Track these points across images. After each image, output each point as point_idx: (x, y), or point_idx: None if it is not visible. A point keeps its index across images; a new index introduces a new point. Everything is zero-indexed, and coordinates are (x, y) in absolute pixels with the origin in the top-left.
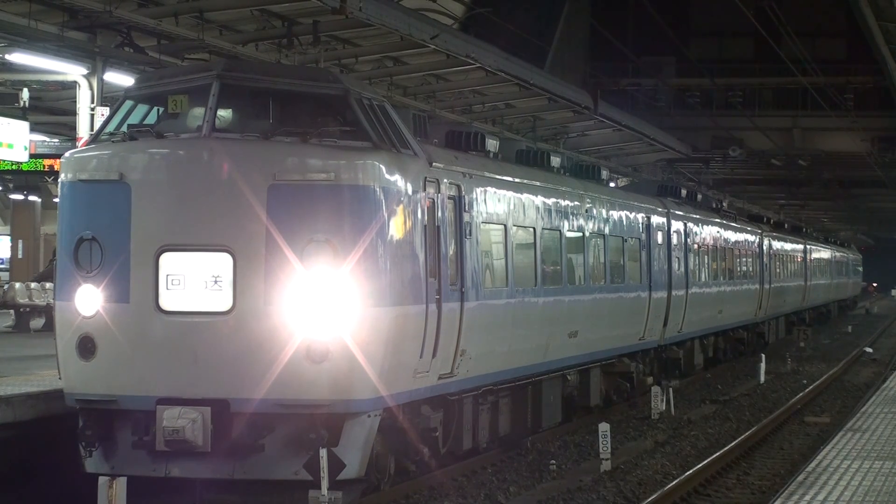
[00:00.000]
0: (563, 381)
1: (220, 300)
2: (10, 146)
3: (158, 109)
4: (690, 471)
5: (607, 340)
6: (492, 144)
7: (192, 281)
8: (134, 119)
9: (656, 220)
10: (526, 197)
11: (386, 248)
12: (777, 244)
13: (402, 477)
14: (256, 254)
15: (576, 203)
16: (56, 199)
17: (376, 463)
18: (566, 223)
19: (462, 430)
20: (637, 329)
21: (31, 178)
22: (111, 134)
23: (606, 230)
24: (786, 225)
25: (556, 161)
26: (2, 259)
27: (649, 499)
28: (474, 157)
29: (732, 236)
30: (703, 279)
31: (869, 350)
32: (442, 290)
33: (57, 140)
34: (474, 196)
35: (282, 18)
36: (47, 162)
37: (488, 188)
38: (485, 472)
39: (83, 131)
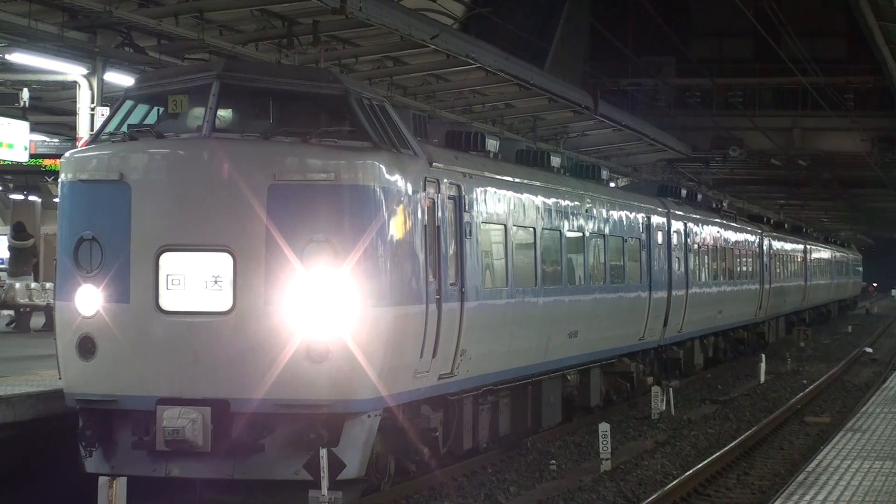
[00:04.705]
0: (563, 380)
1: (220, 300)
2: (10, 146)
3: (158, 109)
4: (690, 471)
5: (607, 340)
6: (492, 144)
7: (192, 281)
8: (134, 119)
9: (656, 220)
10: (526, 197)
11: (386, 248)
12: (777, 244)
13: (402, 477)
14: (256, 254)
15: (576, 203)
16: (56, 199)
17: (376, 463)
18: (566, 223)
19: (462, 430)
20: (637, 329)
21: (31, 178)
22: (111, 134)
23: (606, 230)
24: (786, 225)
25: (556, 161)
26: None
27: (649, 499)
28: (474, 157)
29: (732, 236)
30: (703, 279)
31: (869, 350)
32: (442, 290)
33: (57, 140)
34: (474, 196)
35: (282, 18)
36: (47, 162)
37: (488, 188)
38: (485, 472)
39: (83, 131)
